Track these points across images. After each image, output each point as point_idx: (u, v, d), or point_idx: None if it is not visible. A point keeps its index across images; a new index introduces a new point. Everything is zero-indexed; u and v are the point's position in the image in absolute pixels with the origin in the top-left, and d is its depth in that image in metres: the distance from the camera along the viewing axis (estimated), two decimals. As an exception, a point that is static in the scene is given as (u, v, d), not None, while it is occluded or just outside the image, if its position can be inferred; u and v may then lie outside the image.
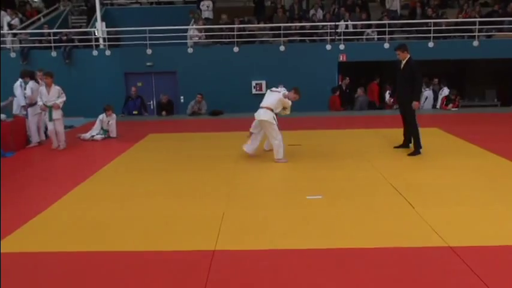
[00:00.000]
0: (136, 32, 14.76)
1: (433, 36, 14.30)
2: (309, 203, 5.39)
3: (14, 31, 15.49)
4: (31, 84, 9.30)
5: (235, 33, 14.67)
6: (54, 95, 8.79)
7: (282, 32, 14.62)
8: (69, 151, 8.82)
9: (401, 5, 16.12)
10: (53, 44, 14.73)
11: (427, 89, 13.56)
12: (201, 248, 4.15)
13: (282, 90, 7.77)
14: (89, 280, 3.67)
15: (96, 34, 15.18)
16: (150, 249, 4.19)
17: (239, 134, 8.74)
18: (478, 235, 4.37)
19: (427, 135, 8.37)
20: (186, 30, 15.08)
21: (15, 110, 9.91)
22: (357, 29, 15.21)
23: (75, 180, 6.52)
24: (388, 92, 14.00)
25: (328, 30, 14.74)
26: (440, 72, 14.43)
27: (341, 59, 14.55)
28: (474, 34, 14.34)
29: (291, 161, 7.47)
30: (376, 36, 14.93)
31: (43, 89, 8.82)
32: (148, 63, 14.63)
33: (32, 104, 9.16)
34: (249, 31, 15.28)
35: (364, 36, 15.10)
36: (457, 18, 15.28)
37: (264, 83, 14.56)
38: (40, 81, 9.88)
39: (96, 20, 15.42)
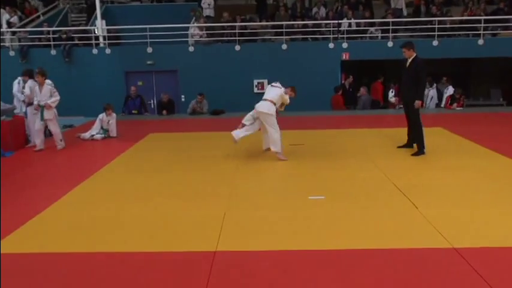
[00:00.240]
0: (137, 30, 14.63)
1: (438, 35, 14.15)
2: (311, 203, 5.33)
3: (13, 29, 15.35)
4: (30, 83, 9.16)
5: (236, 31, 14.55)
6: (46, 94, 8.61)
7: (284, 30, 14.50)
8: (69, 151, 8.74)
9: (406, 2, 15.92)
10: (52, 43, 14.60)
11: (431, 88, 13.42)
12: (202, 248, 4.11)
13: (278, 85, 7.84)
14: (89, 281, 3.63)
15: (96, 32, 15.05)
16: (150, 250, 4.15)
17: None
18: (482, 236, 4.31)
19: (431, 134, 8.28)
20: (187, 29, 14.96)
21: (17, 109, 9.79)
22: (360, 27, 15.08)
23: (74, 180, 6.45)
24: (391, 91, 13.85)
25: (331, 29, 14.64)
26: (444, 71, 14.27)
27: (344, 57, 14.43)
28: (479, 32, 14.21)
29: (293, 161, 7.39)
30: (379, 35, 14.77)
31: (37, 88, 8.67)
32: (148, 62, 14.51)
33: (31, 103, 9.02)
34: (251, 29, 15.17)
35: (367, 35, 14.96)
36: (462, 16, 15.17)
37: (265, 81, 14.40)
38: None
39: (96, 18, 15.29)
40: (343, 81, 14.47)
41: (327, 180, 6.26)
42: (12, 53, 14.63)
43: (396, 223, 4.66)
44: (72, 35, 15.16)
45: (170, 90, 14.09)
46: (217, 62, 14.38)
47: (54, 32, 14.86)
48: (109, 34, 14.96)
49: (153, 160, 7.77)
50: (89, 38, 15.02)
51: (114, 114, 10.00)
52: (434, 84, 13.63)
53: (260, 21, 15.76)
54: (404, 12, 15.86)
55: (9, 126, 8.67)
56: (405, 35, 14.41)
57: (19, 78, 9.67)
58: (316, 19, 15.61)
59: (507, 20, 14.63)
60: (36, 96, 8.67)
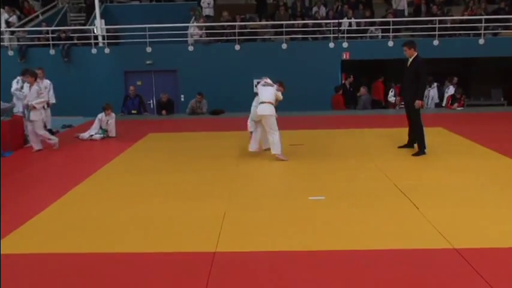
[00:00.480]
0: (136, 29, 14.56)
1: (438, 34, 14.10)
2: (311, 204, 5.30)
3: (12, 29, 15.28)
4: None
5: (236, 30, 14.48)
6: (33, 95, 8.47)
7: (284, 29, 14.45)
8: (68, 151, 8.70)
9: (407, 3, 15.86)
10: (51, 42, 14.54)
11: (430, 88, 13.37)
12: (202, 249, 4.08)
13: (269, 81, 7.84)
14: (88, 282, 3.61)
15: (95, 32, 14.98)
16: (149, 250, 4.12)
17: (240, 134, 8.64)
18: (483, 237, 4.28)
19: (431, 134, 8.25)
20: (186, 28, 14.90)
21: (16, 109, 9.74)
22: (360, 26, 15.01)
23: (73, 180, 6.41)
24: (391, 90, 13.79)
25: (331, 28, 14.59)
26: (445, 71, 14.21)
27: (344, 57, 14.37)
28: (480, 32, 14.16)
29: (293, 161, 7.35)
30: (380, 34, 14.70)
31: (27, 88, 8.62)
32: (148, 62, 14.44)
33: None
34: (251, 29, 15.12)
35: (368, 34, 14.90)
36: (463, 15, 15.14)
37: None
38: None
39: (95, 17, 15.23)
40: (343, 81, 14.41)
41: (327, 181, 6.23)
42: (11, 53, 14.55)
43: (397, 224, 4.63)
44: (71, 35, 15.08)
45: (169, 90, 14.01)
46: (216, 61, 14.32)
47: (53, 32, 14.79)
48: (108, 34, 14.89)
49: (152, 160, 7.74)
50: (88, 38, 14.94)
51: (113, 114, 9.94)
52: (435, 84, 13.57)
53: (260, 21, 15.71)
54: (406, 14, 15.78)
55: (8, 126, 8.62)
56: (406, 34, 14.36)
57: (18, 77, 9.62)
58: (316, 18, 15.56)
59: (508, 20, 14.58)
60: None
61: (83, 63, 14.53)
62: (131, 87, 13.49)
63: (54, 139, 8.69)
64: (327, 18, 15.48)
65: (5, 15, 15.72)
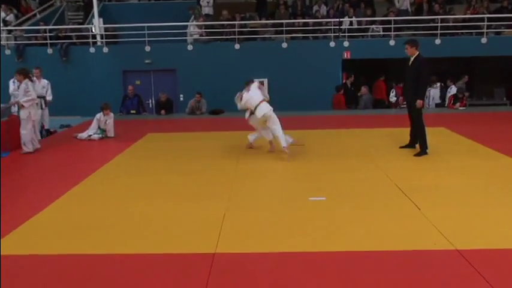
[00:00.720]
0: (135, 28, 14.44)
1: (440, 33, 13.99)
2: (312, 204, 5.27)
3: (9, 27, 15.14)
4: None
5: (236, 29, 14.37)
6: (21, 93, 8.35)
7: (284, 28, 14.35)
8: (66, 151, 8.64)
9: (410, 2, 15.72)
10: (49, 41, 14.41)
11: (431, 88, 13.28)
12: (201, 250, 4.07)
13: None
14: (86, 283, 3.59)
15: (94, 31, 14.85)
16: (148, 251, 4.11)
17: (240, 134, 8.62)
18: (486, 238, 4.26)
19: (433, 134, 8.21)
20: (185, 27, 14.79)
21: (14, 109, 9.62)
22: (361, 25, 14.90)
23: (72, 181, 6.37)
24: (392, 90, 13.67)
25: (332, 27, 14.48)
26: (447, 70, 14.09)
27: (345, 56, 14.26)
28: (482, 31, 14.04)
29: (293, 162, 7.34)
30: (381, 33, 14.58)
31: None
32: (146, 61, 14.33)
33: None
34: (251, 27, 15.01)
35: (369, 33, 14.78)
36: (465, 14, 15.03)
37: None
38: (34, 79, 9.66)
39: (93, 16, 15.10)
40: (344, 81, 14.29)
41: (327, 181, 6.20)
42: (8, 52, 14.43)
43: (398, 225, 4.60)
44: (69, 34, 14.95)
45: (168, 90, 13.90)
46: (216, 61, 14.21)
47: (50, 31, 14.65)
48: (106, 33, 14.78)
49: (151, 161, 7.69)
50: (86, 37, 14.81)
51: (111, 114, 9.85)
52: (438, 84, 13.46)
53: (260, 20, 15.58)
54: (409, 12, 15.65)
55: (6, 126, 8.52)
56: (407, 33, 14.24)
57: (14, 77, 9.49)
58: (316, 17, 15.45)
59: (511, 19, 14.45)
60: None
61: (81, 62, 14.42)
62: (130, 87, 13.37)
63: (27, 149, 8.31)
64: (327, 17, 15.38)
65: (2, 14, 15.61)
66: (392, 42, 13.96)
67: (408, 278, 3.55)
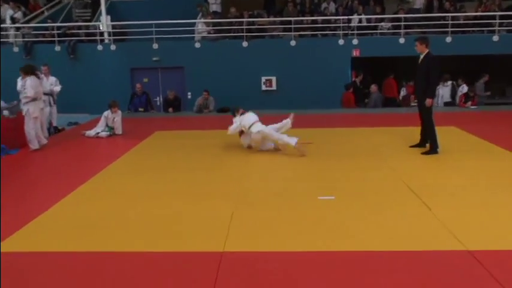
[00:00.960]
0: (142, 26, 14.39)
1: (451, 31, 13.84)
2: (320, 203, 5.22)
3: (17, 25, 15.14)
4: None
5: (244, 27, 14.28)
6: (21, 90, 8.39)
7: (292, 26, 14.22)
8: (74, 149, 8.63)
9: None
10: (56, 39, 14.39)
11: (442, 87, 13.12)
12: (209, 249, 4.05)
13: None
14: (95, 281, 3.57)
15: (101, 28, 14.82)
16: (156, 250, 4.08)
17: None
18: (497, 239, 4.18)
19: (444, 134, 8.12)
20: (193, 24, 14.71)
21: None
22: (371, 23, 14.75)
23: (79, 178, 6.36)
24: (403, 89, 13.53)
25: (341, 25, 14.33)
26: (458, 68, 13.93)
27: (354, 54, 14.12)
28: (494, 28, 13.86)
29: (302, 160, 7.28)
30: (391, 31, 14.43)
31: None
32: (154, 58, 14.28)
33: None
34: (259, 25, 14.87)
35: (378, 31, 14.63)
36: (476, 12, 14.82)
37: (274, 79, 14.18)
38: (42, 76, 9.64)
39: (100, 13, 15.07)
40: (353, 79, 14.16)
41: (337, 180, 6.13)
42: (16, 49, 14.44)
43: (408, 225, 4.54)
44: (77, 31, 14.93)
45: (176, 87, 13.84)
46: (224, 58, 14.13)
47: (58, 28, 14.63)
48: (114, 30, 14.73)
49: (159, 158, 7.67)
50: (94, 34, 14.78)
51: (119, 112, 9.84)
52: (449, 82, 13.30)
53: (268, 17, 15.47)
54: (422, 10, 15.47)
55: (14, 123, 8.55)
56: (417, 31, 14.06)
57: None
58: (325, 15, 15.31)
59: (523, 16, 14.27)
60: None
61: (88, 60, 14.40)
62: (138, 85, 13.36)
63: (33, 146, 8.27)
64: (336, 14, 15.24)
65: (10, 12, 15.62)
66: (402, 40, 13.82)
67: (418, 278, 3.50)
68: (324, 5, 15.90)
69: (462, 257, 3.83)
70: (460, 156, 7.35)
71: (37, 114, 8.31)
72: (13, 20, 15.44)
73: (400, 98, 13.65)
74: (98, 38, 14.60)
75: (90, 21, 16.36)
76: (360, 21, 14.69)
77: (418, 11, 15.20)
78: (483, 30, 14.22)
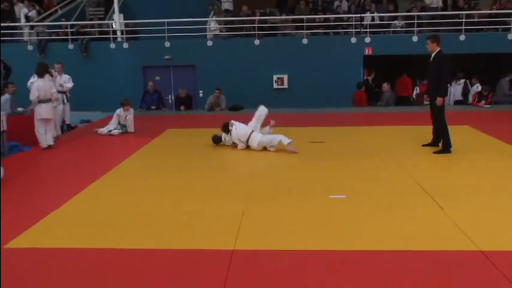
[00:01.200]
0: (155, 24, 14.43)
1: (465, 29, 13.65)
2: (332, 202, 5.19)
3: (31, 23, 15.29)
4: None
5: (256, 25, 14.24)
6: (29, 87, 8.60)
7: (304, 24, 14.15)
8: (86, 146, 8.69)
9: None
10: (70, 37, 14.50)
11: (455, 85, 12.96)
12: (220, 247, 4.04)
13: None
14: (105, 278, 3.58)
15: (114, 26, 14.90)
16: (167, 247, 4.09)
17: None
18: (510, 239, 4.13)
19: (457, 133, 8.03)
20: (205, 23, 14.72)
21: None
22: (383, 21, 14.62)
23: (91, 176, 6.39)
24: (416, 88, 13.39)
25: (353, 23, 14.23)
26: (472, 67, 13.75)
27: (367, 52, 14.01)
28: (509, 26, 13.66)
29: (313, 158, 7.24)
30: (404, 29, 14.28)
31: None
32: (166, 57, 14.31)
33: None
34: (271, 23, 14.85)
35: (391, 29, 14.50)
36: (491, 9, 14.61)
37: (285, 77, 14.14)
38: (56, 74, 9.73)
39: (113, 11, 15.14)
40: (366, 77, 14.05)
41: (348, 179, 6.09)
42: (30, 47, 14.58)
43: (421, 224, 4.50)
44: (90, 29, 15.03)
45: (188, 86, 13.89)
46: (236, 56, 14.12)
47: (71, 26, 14.75)
48: (127, 28, 14.80)
49: (170, 156, 7.68)
50: (107, 32, 14.87)
51: (131, 110, 9.89)
52: (462, 81, 13.14)
53: (280, 15, 15.43)
54: (439, 9, 15.26)
55: (27, 121, 8.61)
56: (431, 29, 13.91)
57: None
58: (338, 13, 15.21)
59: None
60: None
61: (101, 58, 14.48)
62: (150, 83, 13.40)
63: (42, 145, 8.30)
64: (349, 12, 15.13)
65: (24, 10, 15.77)
66: (415, 38, 13.67)
67: (430, 278, 3.46)
68: (336, 3, 15.78)
69: (475, 257, 3.79)
70: (473, 155, 7.27)
71: (44, 115, 8.22)
72: (27, 18, 15.58)
73: (414, 96, 13.52)
74: (110, 36, 14.68)
75: (103, 19, 16.45)
76: (373, 19, 14.57)
77: (435, 10, 15.01)
78: (498, 28, 13.99)
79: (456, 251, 3.90)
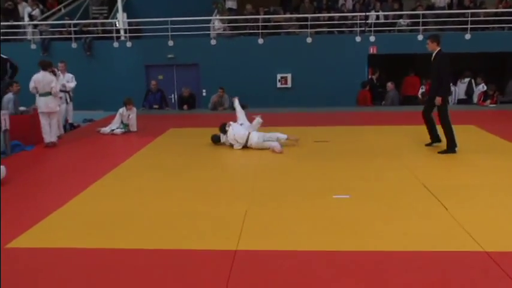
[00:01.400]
0: (158, 23, 14.39)
1: (471, 28, 13.54)
2: (336, 202, 5.15)
3: (35, 22, 15.28)
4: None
5: (260, 24, 14.21)
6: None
7: (309, 23, 14.08)
8: (89, 145, 8.66)
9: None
10: (73, 36, 14.48)
11: (460, 84, 12.86)
12: (223, 247, 4.01)
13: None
14: (107, 278, 3.56)
15: (117, 25, 14.87)
16: (169, 247, 4.06)
17: (263, 130, 8.39)
18: None
19: (462, 133, 7.96)
20: (209, 21, 14.67)
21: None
22: (388, 19, 14.52)
23: (94, 175, 6.36)
24: (422, 87, 13.29)
25: (358, 21, 14.18)
26: (477, 66, 13.63)
27: (371, 51, 13.92)
28: (515, 25, 13.54)
29: (316, 158, 7.20)
30: (409, 28, 14.18)
31: None
32: (169, 56, 14.27)
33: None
34: (275, 22, 14.78)
35: (396, 28, 14.39)
36: (497, 8, 14.49)
37: (289, 76, 14.08)
38: (59, 72, 9.69)
39: (117, 10, 15.12)
40: (370, 76, 13.96)
41: (352, 179, 6.04)
42: (33, 46, 14.57)
43: (425, 225, 4.46)
44: (93, 28, 15.01)
45: (191, 85, 13.84)
46: (239, 55, 14.07)
47: (75, 25, 14.73)
48: (130, 27, 14.77)
49: (173, 156, 7.65)
50: (110, 31, 14.84)
51: (134, 109, 9.86)
52: (467, 79, 13.03)
53: (284, 14, 15.36)
54: (446, 8, 15.16)
55: (30, 120, 8.61)
56: (436, 27, 13.81)
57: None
58: (342, 11, 15.14)
59: (546, 13, 13.90)
60: None
61: (104, 56, 14.47)
62: (153, 82, 13.36)
63: (45, 139, 8.32)
64: (353, 11, 15.05)
65: (28, 9, 15.77)
66: (420, 37, 13.55)
67: (434, 279, 3.42)
68: (341, 1, 15.71)
69: (479, 258, 3.75)
70: (478, 155, 7.20)
71: (44, 109, 8.27)
72: (31, 17, 15.58)
73: (420, 95, 13.41)
74: (114, 35, 14.66)
75: (106, 18, 16.43)
76: (378, 17, 14.48)
77: (442, 9, 14.90)
78: (504, 27, 13.88)
79: (460, 251, 3.87)
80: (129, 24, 14.87)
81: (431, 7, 14.82)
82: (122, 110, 9.71)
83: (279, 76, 14.11)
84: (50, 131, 8.35)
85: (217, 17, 14.88)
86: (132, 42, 14.53)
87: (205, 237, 4.25)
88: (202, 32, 14.45)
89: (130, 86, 13.63)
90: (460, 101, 13.20)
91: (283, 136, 7.86)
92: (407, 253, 3.84)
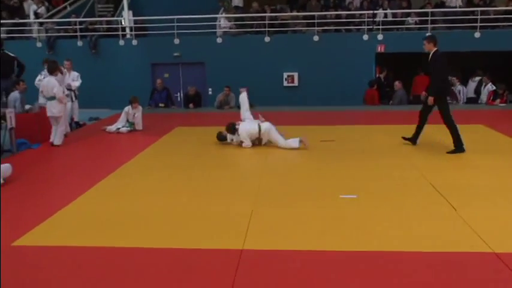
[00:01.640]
0: (164, 21, 14.33)
1: (480, 26, 13.36)
2: (342, 202, 5.11)
3: (40, 20, 15.27)
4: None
5: (266, 22, 14.13)
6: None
7: (316, 21, 13.97)
8: (94, 144, 8.64)
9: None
10: (79, 34, 14.45)
11: (469, 82, 12.72)
12: (228, 246, 4.00)
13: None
14: (112, 276, 3.55)
15: (123, 23, 14.83)
16: (175, 246, 4.04)
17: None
18: None
19: (470, 132, 7.94)
20: (215, 20, 14.59)
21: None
22: (396, 18, 14.38)
23: (99, 174, 6.34)
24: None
25: (366, 19, 14.05)
26: (487, 65, 13.46)
27: (379, 50, 13.79)
28: (526, 24, 13.35)
29: (323, 157, 7.15)
30: (417, 26, 14.03)
31: None
32: (175, 54, 14.21)
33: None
34: (281, 20, 14.68)
35: (404, 26, 14.25)
36: (507, 6, 14.26)
37: (296, 74, 13.98)
38: (65, 71, 9.65)
39: (123, 8, 15.08)
40: (378, 75, 13.83)
41: (359, 178, 5.98)
42: (39, 44, 14.56)
43: (433, 225, 4.42)
44: (99, 26, 14.98)
45: (197, 83, 13.78)
46: (245, 54, 14.00)
47: (80, 23, 14.70)
48: (136, 25, 14.72)
49: (179, 155, 7.61)
50: (116, 29, 14.80)
51: (140, 107, 9.81)
52: (477, 78, 12.87)
53: (291, 12, 15.25)
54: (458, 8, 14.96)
55: (36, 118, 8.61)
56: (445, 26, 13.65)
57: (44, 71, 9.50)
58: (349, 9, 15.01)
59: (556, 10, 13.71)
60: None
61: (110, 55, 14.44)
62: (158, 80, 13.31)
63: (51, 138, 8.34)
64: (361, 9, 14.91)
65: (33, 7, 15.76)
66: (428, 35, 13.41)
67: (443, 280, 3.38)
68: (348, -1, 15.60)
69: (488, 259, 3.71)
70: (487, 155, 7.12)
71: (48, 113, 8.26)
72: (36, 15, 15.56)
73: (423, 95, 13.24)
74: (119, 33, 14.62)
75: (112, 16, 16.39)
76: (385, 15, 14.34)
77: (454, 8, 14.73)
78: (514, 25, 13.71)
79: (469, 252, 3.83)
80: (135, 22, 14.82)
81: (440, 5, 14.64)
82: (128, 108, 9.66)
83: (285, 75, 14.02)
84: (55, 135, 8.31)
85: (224, 15, 14.80)
86: (138, 41, 14.48)
87: (212, 236, 4.23)
88: (208, 30, 14.37)
89: (136, 84, 13.59)
90: (469, 100, 13.04)
91: (295, 145, 7.67)
92: (416, 253, 3.80)
